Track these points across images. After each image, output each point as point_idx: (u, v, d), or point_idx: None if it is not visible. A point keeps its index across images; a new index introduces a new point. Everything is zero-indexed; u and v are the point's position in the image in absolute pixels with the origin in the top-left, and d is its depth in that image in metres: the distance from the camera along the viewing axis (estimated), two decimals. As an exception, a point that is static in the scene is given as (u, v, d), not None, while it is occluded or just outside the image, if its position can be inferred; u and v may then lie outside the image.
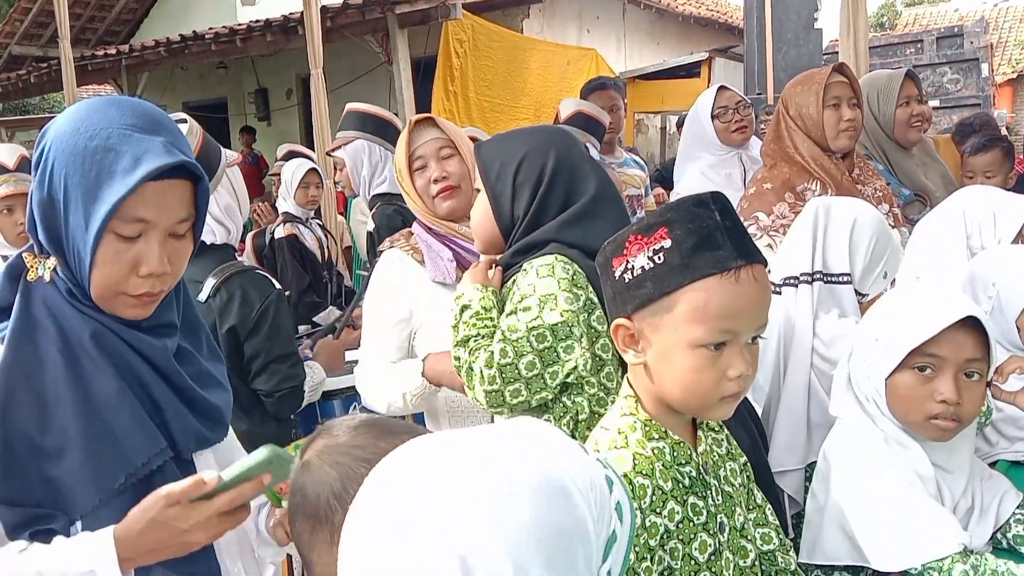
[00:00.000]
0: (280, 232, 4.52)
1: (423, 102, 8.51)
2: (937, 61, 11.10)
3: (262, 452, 1.18)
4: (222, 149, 2.43)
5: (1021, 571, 1.36)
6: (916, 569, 1.44)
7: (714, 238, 1.15)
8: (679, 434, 1.25)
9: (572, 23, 11.00)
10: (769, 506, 1.40)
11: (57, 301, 1.27)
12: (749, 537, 1.32)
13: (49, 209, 1.23)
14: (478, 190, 1.83)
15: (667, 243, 1.15)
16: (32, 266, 1.28)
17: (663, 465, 1.21)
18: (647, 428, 1.23)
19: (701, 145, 3.64)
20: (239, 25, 9.23)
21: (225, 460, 1.35)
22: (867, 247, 1.95)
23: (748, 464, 1.42)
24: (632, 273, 1.18)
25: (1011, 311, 1.94)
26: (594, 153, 3.53)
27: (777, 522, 1.40)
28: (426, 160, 2.15)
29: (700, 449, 1.28)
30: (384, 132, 3.69)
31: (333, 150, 3.84)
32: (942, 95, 10.95)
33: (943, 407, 1.47)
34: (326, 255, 4.68)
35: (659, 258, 1.16)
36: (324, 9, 6.87)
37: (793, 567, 1.40)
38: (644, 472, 1.18)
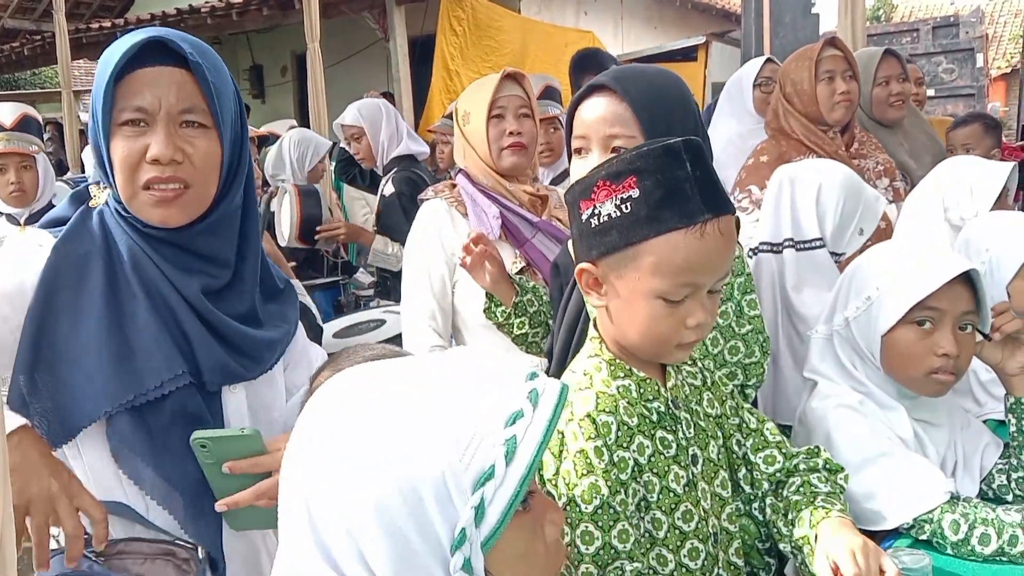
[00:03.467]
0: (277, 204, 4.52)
1: (420, 80, 8.50)
2: (933, 50, 11.13)
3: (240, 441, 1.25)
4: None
5: (1008, 516, 1.40)
6: (908, 524, 1.47)
7: (683, 190, 1.14)
8: (646, 371, 1.28)
9: (570, 5, 10.97)
10: (769, 424, 1.42)
11: (110, 222, 1.33)
12: (725, 467, 1.34)
13: (92, 137, 1.30)
14: (620, 148, 1.51)
15: (635, 192, 1.15)
16: (95, 195, 1.37)
17: (628, 402, 1.23)
18: (612, 367, 1.26)
19: (733, 112, 3.58)
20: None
21: (259, 398, 1.38)
22: (835, 208, 1.98)
23: (735, 391, 1.44)
24: (598, 219, 1.18)
25: (1002, 276, 1.97)
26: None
27: (780, 438, 1.41)
28: (505, 112, 2.20)
29: (669, 384, 1.29)
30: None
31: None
32: (937, 84, 10.98)
33: (944, 360, 1.50)
34: (323, 225, 4.70)
35: (626, 207, 1.15)
36: (321, -17, 6.83)
37: (807, 479, 1.37)
38: (607, 410, 1.20)
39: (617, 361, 1.27)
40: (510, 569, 0.83)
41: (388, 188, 3.72)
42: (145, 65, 1.26)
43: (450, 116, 4.51)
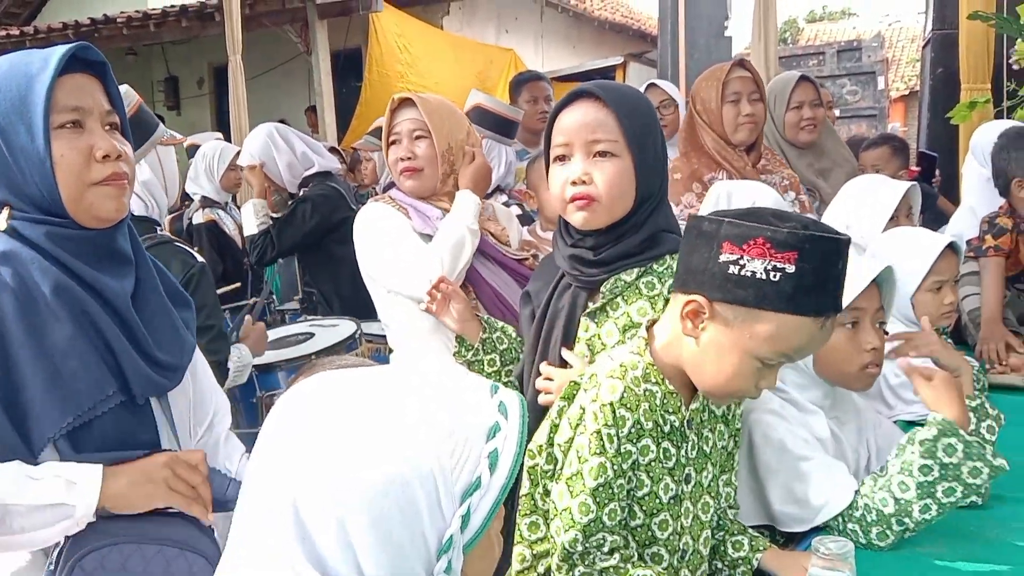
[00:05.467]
0: (199, 217, 4.43)
1: (343, 94, 8.48)
2: (837, 73, 11.67)
3: None
4: (161, 126, 2.42)
5: (908, 490, 1.49)
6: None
7: (827, 285, 1.23)
8: (677, 387, 1.36)
9: (491, 23, 11.12)
10: (738, 468, 1.52)
11: (15, 250, 1.30)
12: (713, 494, 1.43)
13: (11, 147, 1.28)
14: (605, 152, 1.55)
15: (790, 268, 1.18)
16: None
17: (649, 407, 1.31)
18: (647, 371, 1.34)
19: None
20: (152, 10, 9.00)
21: (177, 409, 1.39)
22: None
23: (740, 431, 1.53)
24: (741, 270, 1.22)
25: (907, 288, 2.12)
26: (509, 151, 3.60)
27: (736, 483, 1.52)
28: (400, 137, 2.25)
29: (693, 406, 1.38)
30: None
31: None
32: (841, 106, 11.50)
33: (873, 354, 1.63)
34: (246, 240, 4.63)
35: (775, 276, 1.19)
36: (243, -3, 6.78)
37: (732, 526, 1.52)
38: (628, 406, 1.29)
39: (654, 368, 1.35)
40: (476, 564, 0.88)
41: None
42: (67, 72, 1.30)
43: (372, 132, 4.52)
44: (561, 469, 1.32)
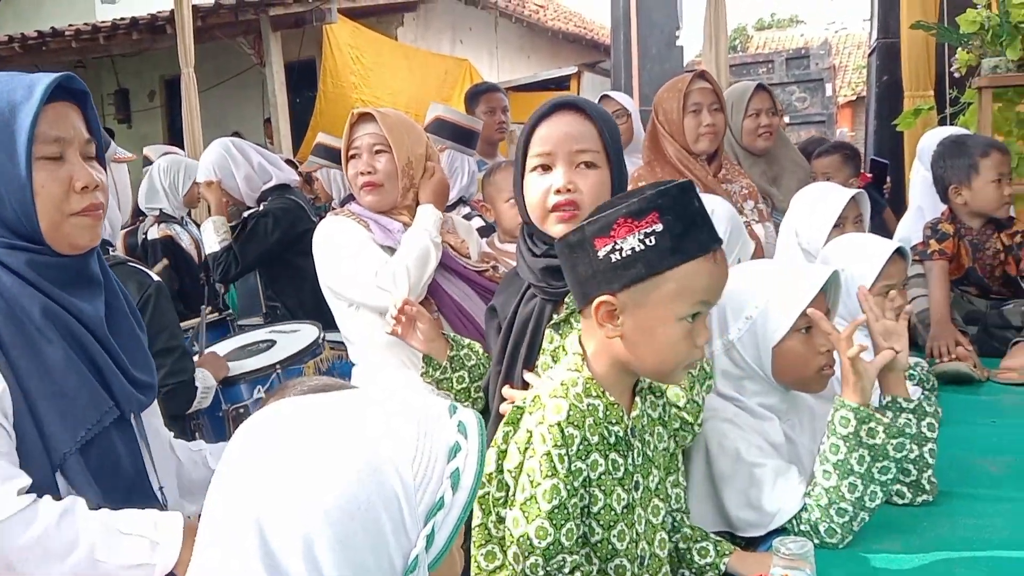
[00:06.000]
0: (154, 233, 4.38)
1: (298, 106, 8.43)
2: (787, 80, 11.94)
3: None
4: (112, 144, 2.40)
5: (831, 476, 1.56)
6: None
7: (697, 223, 1.29)
8: (616, 397, 1.38)
9: (446, 33, 11.15)
10: (683, 468, 1.56)
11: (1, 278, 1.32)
12: (662, 497, 1.46)
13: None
14: (589, 163, 1.61)
15: (659, 227, 1.25)
16: None
17: (594, 421, 1.33)
18: (587, 386, 1.36)
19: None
20: (102, 23, 8.87)
21: (152, 423, 1.40)
22: (724, 232, 2.14)
23: (679, 429, 1.56)
24: (620, 254, 1.27)
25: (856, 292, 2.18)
26: (471, 161, 3.62)
27: (684, 483, 1.56)
28: (360, 152, 2.25)
29: (633, 414, 1.41)
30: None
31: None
32: (791, 112, 11.75)
33: (827, 356, 1.68)
34: (203, 255, 4.58)
35: (650, 241, 1.25)
36: (195, 8, 6.73)
37: (694, 532, 1.56)
38: (575, 423, 1.31)
39: (594, 381, 1.37)
40: None
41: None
42: (50, 100, 1.30)
43: (315, 151, 4.51)
44: (514, 495, 1.32)
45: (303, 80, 9.06)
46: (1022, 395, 2.49)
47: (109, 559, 1.22)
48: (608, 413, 1.35)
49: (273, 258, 3.61)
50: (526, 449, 1.31)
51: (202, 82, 6.43)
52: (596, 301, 1.31)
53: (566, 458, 1.28)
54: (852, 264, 2.20)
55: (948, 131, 3.61)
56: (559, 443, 1.28)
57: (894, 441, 1.55)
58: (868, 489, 1.54)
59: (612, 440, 1.35)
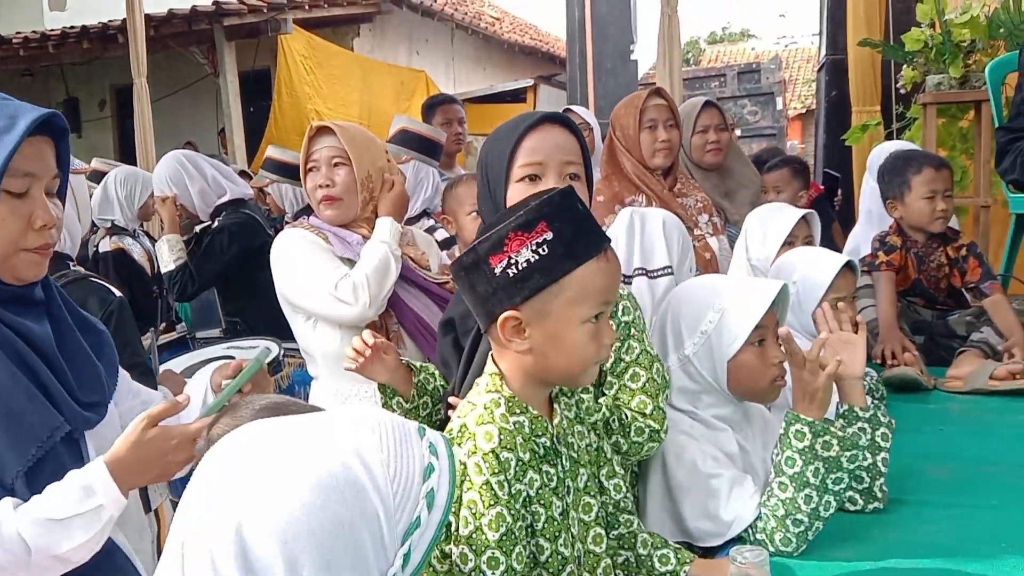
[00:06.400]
0: (105, 245, 4.29)
1: (252, 116, 8.36)
2: (738, 94, 12.16)
3: (253, 365, 1.28)
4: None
5: (787, 488, 1.60)
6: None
7: (584, 226, 1.32)
8: (537, 409, 1.40)
9: (402, 45, 11.15)
10: (617, 457, 1.58)
11: None
12: (592, 493, 1.48)
13: None
14: (575, 175, 1.66)
15: (549, 235, 1.26)
16: None
17: (523, 438, 1.34)
18: (510, 404, 1.36)
19: None
20: (52, 31, 8.72)
21: (105, 439, 1.39)
22: (677, 243, 2.19)
23: (599, 422, 1.59)
24: (516, 268, 1.28)
25: (808, 304, 2.24)
26: (436, 173, 3.63)
27: (623, 471, 1.58)
28: (318, 165, 2.24)
29: (555, 421, 1.43)
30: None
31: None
32: (743, 125, 11.96)
33: (780, 367, 1.72)
34: (156, 267, 4.51)
35: (543, 250, 1.26)
36: (148, 18, 6.64)
37: (633, 527, 1.56)
38: (507, 446, 1.31)
39: (515, 399, 1.38)
40: None
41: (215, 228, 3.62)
42: (33, 133, 1.28)
43: (265, 165, 4.47)
44: (457, 530, 1.30)
45: (258, 90, 9.01)
46: (967, 403, 2.57)
47: (68, 512, 1.22)
48: (534, 427, 1.37)
49: (231, 274, 3.57)
50: (462, 482, 1.30)
51: (154, 92, 6.35)
52: (501, 318, 1.32)
53: (506, 483, 1.29)
54: (803, 278, 2.26)
55: (897, 145, 3.72)
56: (496, 470, 1.28)
57: (848, 453, 1.59)
58: (823, 499, 1.58)
59: (542, 452, 1.37)
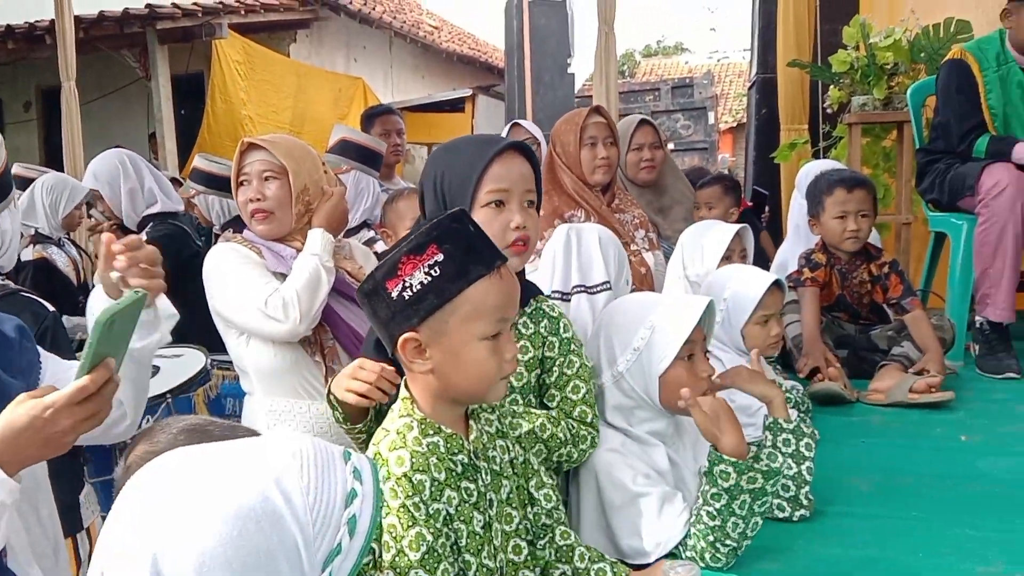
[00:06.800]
0: (28, 254, 4.16)
1: (186, 120, 8.21)
2: (672, 108, 12.39)
3: (97, 328, 1.18)
4: (13, 189, 2.30)
5: (715, 517, 1.64)
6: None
7: (475, 246, 1.36)
8: (452, 427, 1.42)
9: (340, 51, 11.07)
10: (544, 468, 1.60)
11: None
12: (515, 505, 1.50)
13: None
14: (532, 202, 1.76)
15: (439, 257, 1.31)
16: None
17: (437, 458, 1.37)
18: (423, 426, 1.39)
19: None
20: (-28, 29, 8.43)
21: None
22: (614, 258, 2.23)
23: (525, 434, 1.62)
24: (411, 291, 1.32)
25: (737, 321, 2.31)
26: (376, 184, 3.63)
27: (553, 481, 1.60)
28: (249, 179, 2.21)
29: (472, 437, 1.45)
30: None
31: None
32: (676, 139, 12.20)
33: (708, 382, 1.78)
34: (82, 277, 4.39)
35: (435, 271, 1.31)
36: (77, 19, 6.47)
37: (571, 540, 1.57)
38: (420, 469, 1.34)
39: (427, 420, 1.40)
40: None
41: None
42: None
43: (193, 176, 4.40)
44: (380, 557, 1.31)
45: (191, 94, 8.84)
46: (889, 416, 2.68)
47: None
48: (449, 445, 1.39)
49: (167, 289, 3.49)
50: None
51: (83, 94, 6.19)
52: (400, 340, 1.35)
53: (422, 504, 1.31)
54: (734, 295, 2.33)
55: (822, 164, 3.84)
56: (411, 492, 1.31)
57: (771, 481, 1.65)
58: (750, 523, 1.64)
59: (460, 470, 1.39)
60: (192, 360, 3.05)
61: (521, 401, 1.79)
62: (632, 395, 1.81)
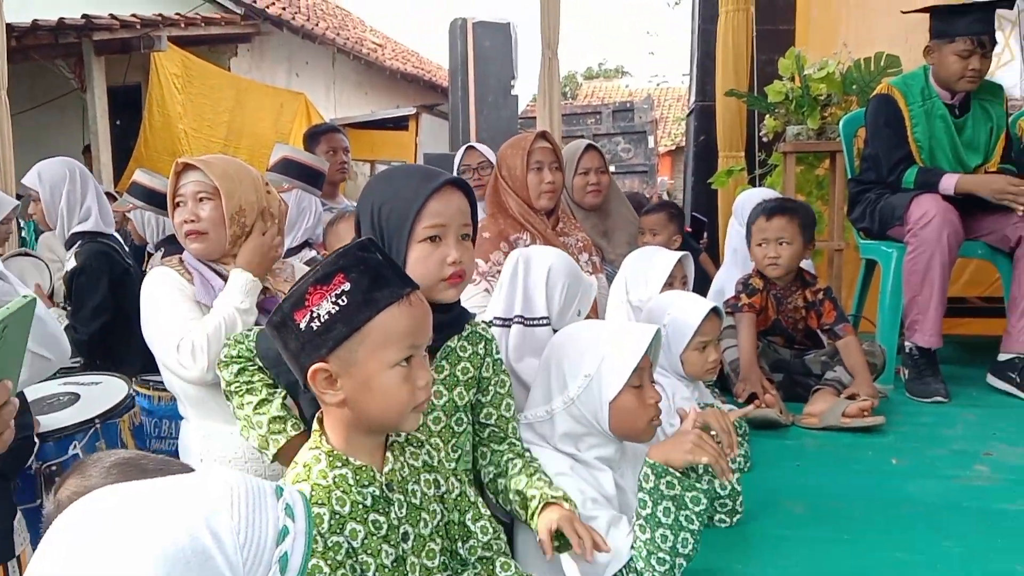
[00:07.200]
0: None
1: (122, 132, 8.03)
2: (613, 131, 12.57)
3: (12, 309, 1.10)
4: None
5: (645, 530, 1.68)
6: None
7: (383, 274, 1.35)
8: (365, 459, 1.41)
9: (281, 66, 10.97)
10: (481, 499, 1.61)
11: None
12: (439, 538, 1.50)
13: None
14: (467, 236, 1.77)
15: (346, 286, 1.30)
16: None
17: (343, 491, 1.35)
18: (331, 458, 1.38)
19: None
20: None
21: None
22: (561, 290, 2.25)
23: (458, 468, 1.62)
24: (319, 321, 1.31)
25: (676, 347, 2.36)
26: (318, 203, 3.61)
27: (488, 512, 1.60)
28: (185, 200, 2.19)
29: (386, 469, 1.43)
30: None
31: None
32: (616, 162, 12.36)
33: (655, 408, 1.81)
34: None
35: (342, 300, 1.30)
36: (9, 28, 6.30)
37: (511, 571, 1.57)
38: (319, 502, 1.32)
39: (336, 452, 1.39)
40: None
41: (71, 263, 3.41)
42: None
43: (130, 190, 4.32)
44: None
45: (128, 105, 8.66)
46: (822, 439, 2.75)
47: None
48: (359, 477, 1.39)
49: (108, 307, 3.39)
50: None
51: (15, 105, 6.01)
52: (310, 371, 1.34)
53: (319, 538, 1.31)
54: (673, 320, 2.38)
55: (761, 192, 3.95)
56: None
57: (689, 494, 1.69)
58: (679, 537, 1.67)
59: (368, 502, 1.38)
60: (114, 387, 2.98)
61: (466, 420, 1.83)
62: (583, 421, 1.83)
